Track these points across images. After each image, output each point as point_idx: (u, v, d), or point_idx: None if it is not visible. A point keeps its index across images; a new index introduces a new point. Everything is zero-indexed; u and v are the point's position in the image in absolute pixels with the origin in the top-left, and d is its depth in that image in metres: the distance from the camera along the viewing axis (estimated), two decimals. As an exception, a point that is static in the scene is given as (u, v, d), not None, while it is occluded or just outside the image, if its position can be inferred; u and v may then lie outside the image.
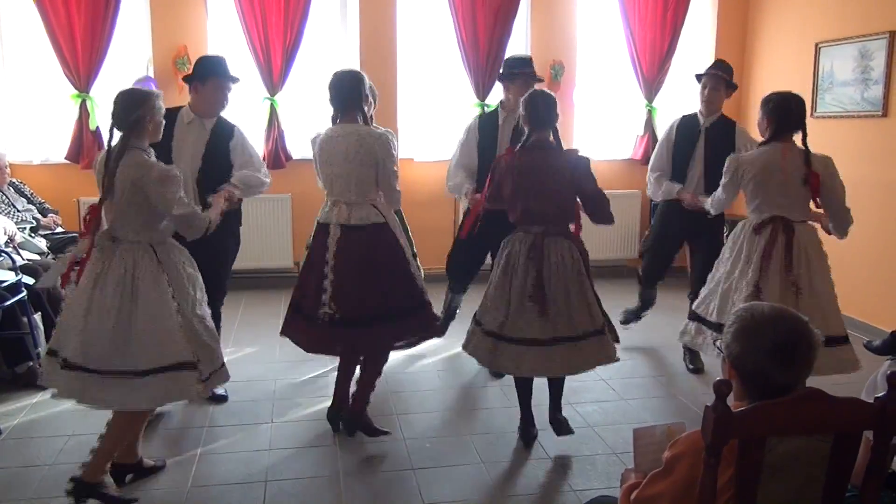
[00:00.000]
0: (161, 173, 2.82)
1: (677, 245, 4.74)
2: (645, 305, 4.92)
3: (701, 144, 4.39)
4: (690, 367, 4.50)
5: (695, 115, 4.48)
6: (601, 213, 3.36)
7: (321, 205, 3.55)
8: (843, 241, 3.68)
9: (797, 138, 3.58)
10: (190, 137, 3.75)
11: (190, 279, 3.03)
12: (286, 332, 3.62)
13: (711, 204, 3.87)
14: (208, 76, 3.76)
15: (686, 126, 4.46)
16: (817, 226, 3.68)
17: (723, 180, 3.70)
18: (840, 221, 3.59)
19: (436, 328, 3.65)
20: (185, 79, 3.85)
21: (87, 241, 2.91)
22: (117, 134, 2.89)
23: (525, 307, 3.27)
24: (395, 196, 3.46)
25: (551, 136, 3.34)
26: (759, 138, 3.70)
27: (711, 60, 6.58)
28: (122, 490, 3.02)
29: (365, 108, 3.43)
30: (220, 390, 3.91)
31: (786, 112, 3.52)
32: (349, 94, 3.38)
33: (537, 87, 4.11)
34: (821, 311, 3.46)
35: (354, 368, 3.66)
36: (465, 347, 3.56)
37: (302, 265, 3.65)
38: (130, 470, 3.15)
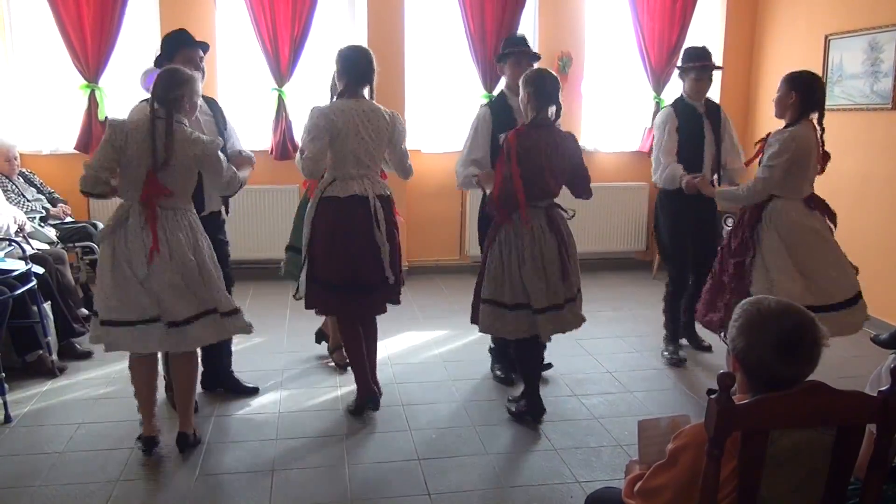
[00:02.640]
0: (216, 144, 3.19)
1: (690, 237, 4.53)
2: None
3: (708, 128, 4.36)
4: (705, 343, 4.62)
5: (685, 101, 4.38)
6: (585, 184, 3.62)
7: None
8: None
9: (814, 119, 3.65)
10: (195, 124, 3.70)
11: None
12: (313, 303, 3.68)
13: (751, 191, 3.68)
14: (176, 51, 3.64)
15: (687, 111, 4.34)
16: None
17: (776, 161, 3.55)
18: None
19: (398, 298, 3.79)
20: (155, 62, 3.73)
21: (147, 210, 3.09)
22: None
23: (547, 275, 3.45)
24: (410, 170, 3.74)
25: (549, 114, 3.45)
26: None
27: (721, 53, 6.65)
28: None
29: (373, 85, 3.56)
30: (250, 383, 4.09)
31: (812, 90, 3.60)
32: (365, 68, 3.51)
33: (536, 66, 4.08)
34: (832, 280, 3.62)
35: (365, 333, 3.77)
36: (483, 329, 3.62)
37: (322, 240, 3.51)
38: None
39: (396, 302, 3.78)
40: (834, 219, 3.74)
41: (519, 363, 3.73)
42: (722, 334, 1.83)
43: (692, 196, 4.18)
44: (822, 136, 3.64)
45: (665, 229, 4.53)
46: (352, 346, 3.73)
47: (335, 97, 3.62)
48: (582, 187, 3.63)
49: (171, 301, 3.11)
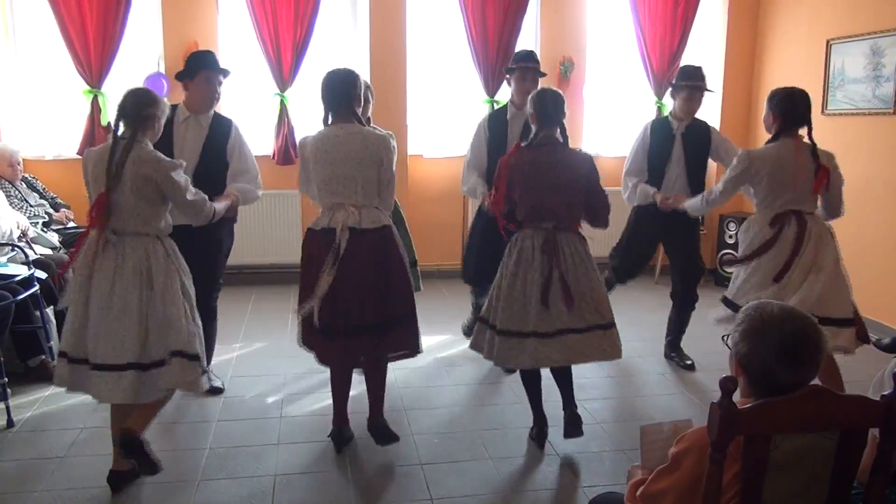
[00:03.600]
0: (171, 164, 2.95)
1: (653, 245, 4.74)
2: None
3: (678, 147, 4.40)
4: (688, 362, 4.55)
5: (666, 119, 4.50)
6: (601, 212, 3.42)
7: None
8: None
9: (803, 133, 3.60)
10: (188, 135, 3.77)
11: (188, 274, 3.10)
12: (306, 342, 3.44)
13: (704, 202, 3.90)
14: (197, 70, 3.74)
15: (660, 130, 4.44)
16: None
17: (728, 175, 3.69)
18: (834, 211, 3.71)
19: (417, 345, 3.51)
20: (177, 76, 3.83)
21: (97, 233, 2.92)
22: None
23: (542, 302, 3.24)
24: (391, 201, 3.41)
25: (558, 133, 3.38)
26: (747, 139, 3.69)
27: (722, 58, 6.66)
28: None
29: (358, 109, 3.32)
30: (216, 382, 4.02)
31: (791, 106, 3.56)
32: (340, 94, 3.26)
33: (542, 82, 4.17)
34: (835, 293, 3.51)
35: (349, 382, 3.49)
36: (477, 348, 3.54)
37: (302, 278, 3.38)
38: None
39: (406, 349, 3.49)
40: (798, 244, 3.54)
41: (525, 383, 3.59)
42: (725, 337, 1.83)
43: (657, 208, 4.33)
44: (813, 149, 3.54)
45: (626, 234, 4.64)
46: (336, 375, 3.48)
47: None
48: (594, 215, 3.42)
49: (98, 340, 2.88)
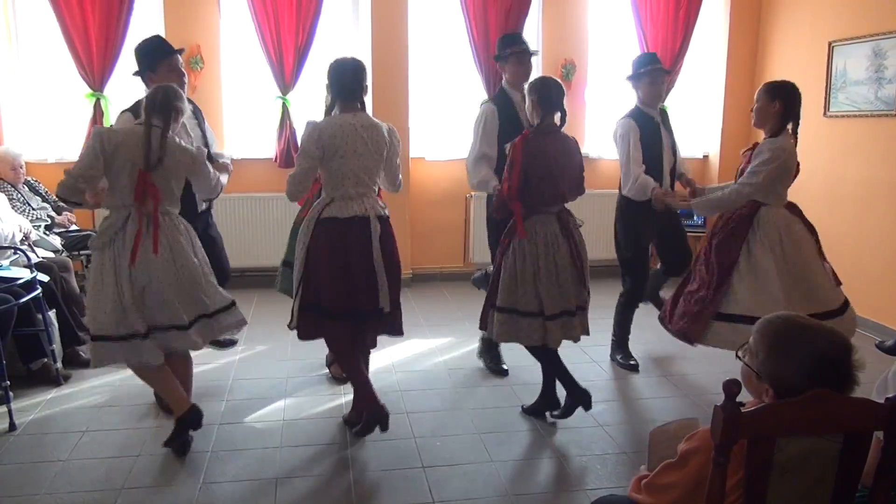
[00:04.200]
0: (201, 154, 3.38)
1: (650, 241, 4.62)
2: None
3: (665, 135, 4.39)
4: (632, 362, 4.52)
5: (640, 111, 4.38)
6: (580, 184, 3.64)
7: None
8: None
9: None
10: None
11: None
12: (308, 334, 3.46)
13: (737, 196, 3.67)
14: (157, 61, 3.71)
15: (644, 120, 4.36)
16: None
17: (765, 168, 3.56)
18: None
19: (400, 326, 3.62)
20: (136, 73, 3.79)
21: (153, 213, 3.21)
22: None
23: (560, 281, 3.47)
24: (401, 184, 3.64)
25: (555, 119, 3.50)
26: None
27: (724, 60, 6.66)
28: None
29: (365, 98, 3.42)
30: (231, 335, 4.31)
31: (797, 100, 3.62)
32: (352, 83, 3.34)
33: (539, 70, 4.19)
34: (821, 287, 3.58)
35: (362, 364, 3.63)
36: (497, 338, 3.60)
37: (320, 264, 3.34)
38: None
39: (396, 332, 3.60)
40: (812, 228, 3.72)
41: (542, 366, 3.74)
42: (738, 352, 1.80)
43: (649, 206, 4.23)
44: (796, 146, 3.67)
45: (623, 236, 4.51)
46: (356, 359, 3.54)
47: (328, 111, 3.48)
48: (574, 190, 3.63)
49: (172, 305, 3.24)
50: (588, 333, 3.68)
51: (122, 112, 3.70)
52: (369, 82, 3.48)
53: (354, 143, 3.29)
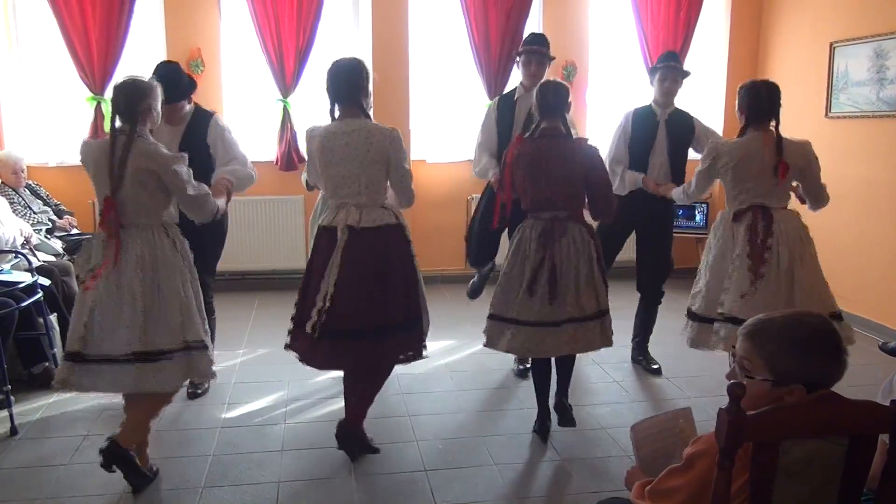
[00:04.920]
0: (171, 156, 2.92)
1: (626, 235, 4.60)
2: None
3: (662, 135, 4.38)
4: (654, 367, 4.52)
5: (649, 107, 4.44)
6: (600, 204, 3.44)
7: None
8: (814, 212, 3.74)
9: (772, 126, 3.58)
10: (162, 138, 3.53)
11: (192, 264, 3.11)
12: (292, 346, 3.37)
13: (685, 194, 3.89)
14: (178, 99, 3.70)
15: (643, 117, 4.41)
16: (801, 208, 3.71)
17: (699, 168, 3.69)
18: (815, 199, 3.69)
19: (420, 348, 3.42)
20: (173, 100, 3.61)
21: (110, 234, 2.90)
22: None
23: (535, 291, 3.34)
24: (411, 196, 3.32)
25: (561, 125, 3.40)
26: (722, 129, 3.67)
27: (725, 61, 6.66)
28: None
29: (365, 101, 3.22)
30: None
31: (756, 99, 3.54)
32: (346, 86, 3.16)
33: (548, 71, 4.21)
34: (814, 293, 3.51)
35: (360, 383, 3.42)
36: (493, 346, 3.55)
37: (303, 278, 3.33)
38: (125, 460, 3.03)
39: (411, 352, 3.37)
40: (754, 241, 3.54)
41: (533, 375, 3.66)
42: (731, 356, 1.79)
43: (638, 197, 4.31)
44: (778, 142, 3.49)
45: (603, 231, 4.45)
46: (346, 374, 3.43)
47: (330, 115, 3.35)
48: (599, 208, 3.46)
49: (108, 334, 2.90)
50: (595, 348, 3.49)
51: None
52: (370, 83, 3.36)
53: (333, 150, 3.14)
